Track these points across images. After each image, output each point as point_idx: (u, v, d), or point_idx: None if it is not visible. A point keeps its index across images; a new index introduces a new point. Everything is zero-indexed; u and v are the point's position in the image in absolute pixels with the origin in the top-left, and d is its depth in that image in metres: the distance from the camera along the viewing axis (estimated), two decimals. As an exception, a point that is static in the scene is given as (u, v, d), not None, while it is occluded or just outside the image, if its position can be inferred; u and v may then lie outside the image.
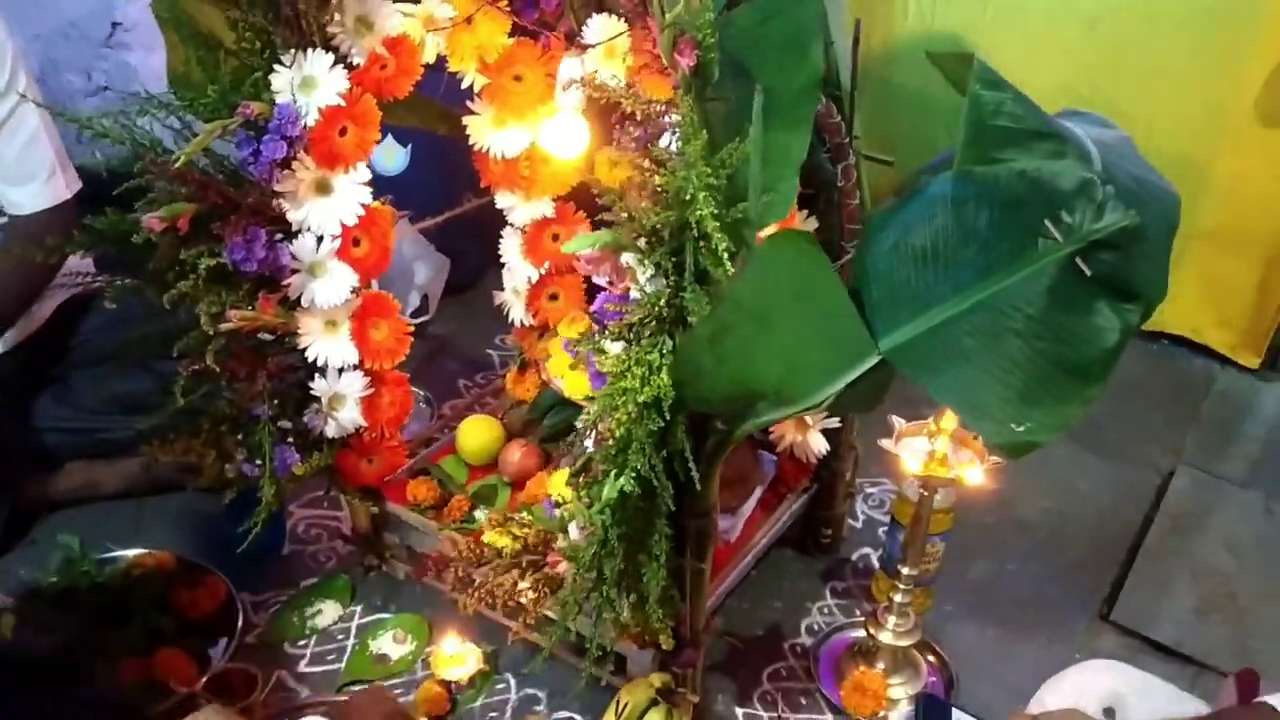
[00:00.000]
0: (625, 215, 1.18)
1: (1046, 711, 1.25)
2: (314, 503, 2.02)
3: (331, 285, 1.55)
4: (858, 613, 1.89)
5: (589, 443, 1.21)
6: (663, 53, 1.18)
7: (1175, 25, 2.35)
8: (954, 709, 1.21)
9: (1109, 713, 1.39)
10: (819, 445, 1.66)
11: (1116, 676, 1.44)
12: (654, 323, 1.16)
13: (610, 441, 1.15)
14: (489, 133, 1.75)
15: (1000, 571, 2.02)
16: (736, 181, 1.12)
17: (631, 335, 1.19)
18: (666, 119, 1.23)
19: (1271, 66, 2.35)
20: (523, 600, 1.29)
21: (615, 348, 1.23)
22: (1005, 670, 1.79)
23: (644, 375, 1.11)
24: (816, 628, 1.86)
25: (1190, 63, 2.38)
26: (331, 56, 1.47)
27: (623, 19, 1.60)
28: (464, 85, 1.68)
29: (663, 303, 1.14)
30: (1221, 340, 2.66)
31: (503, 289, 1.93)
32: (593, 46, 1.55)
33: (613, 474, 1.12)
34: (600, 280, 1.16)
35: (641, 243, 1.20)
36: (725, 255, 1.10)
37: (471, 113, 1.73)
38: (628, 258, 1.17)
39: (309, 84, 1.47)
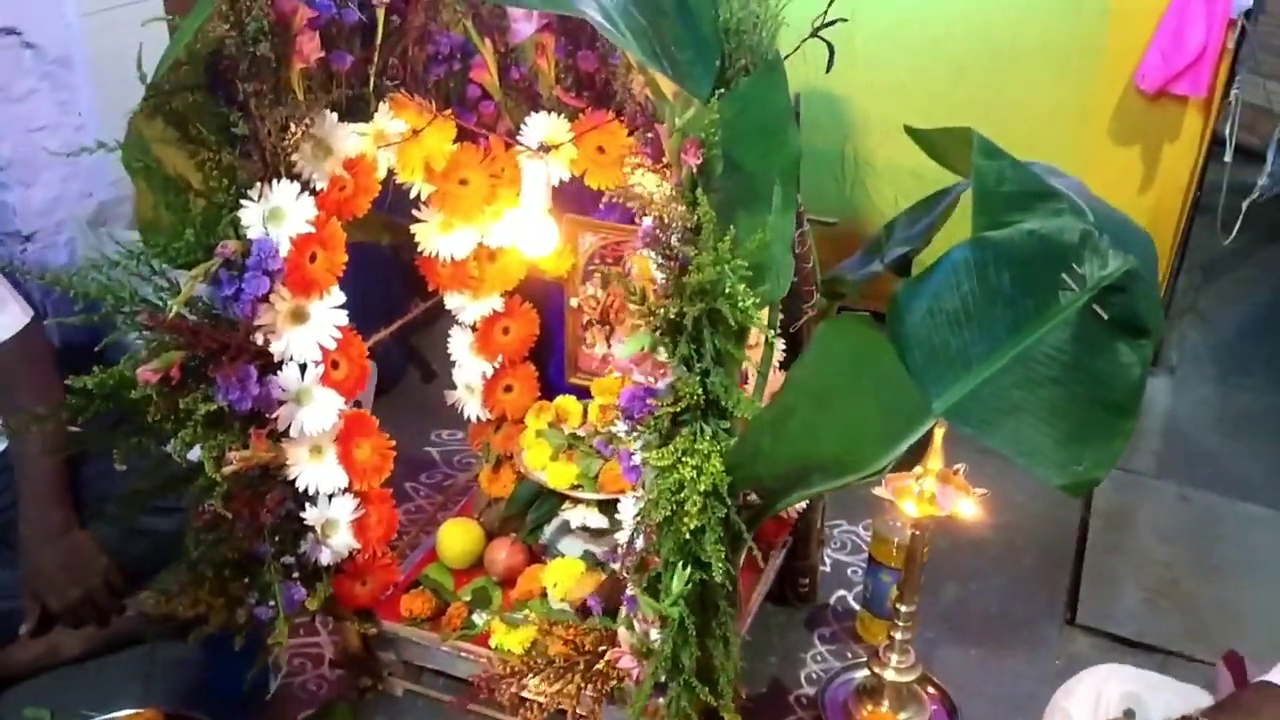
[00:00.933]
0: (650, 313, 1.21)
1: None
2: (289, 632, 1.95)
3: (318, 411, 1.53)
4: (849, 655, 1.95)
5: (639, 539, 1.24)
6: (670, 154, 1.22)
7: (1036, 62, 2.54)
8: None
9: (1129, 714, 1.48)
10: (801, 500, 1.72)
11: (1128, 679, 1.52)
12: (690, 411, 1.20)
13: (662, 533, 1.17)
14: (437, 237, 1.76)
15: (966, 592, 2.12)
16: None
17: (663, 427, 1.23)
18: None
19: (1119, 92, 2.56)
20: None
21: (630, 438, 1.26)
22: (997, 687, 1.88)
23: (698, 465, 1.14)
24: (815, 676, 1.91)
25: (1051, 94, 2.57)
26: (297, 185, 1.46)
27: (561, 115, 1.65)
28: (412, 195, 1.69)
29: (699, 391, 1.18)
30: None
31: (428, 386, 1.94)
32: (551, 148, 1.60)
33: (680, 565, 1.14)
34: (641, 378, 1.19)
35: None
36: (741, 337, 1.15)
37: (417, 220, 1.75)
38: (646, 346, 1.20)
39: (278, 215, 1.46)
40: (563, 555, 1.81)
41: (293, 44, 1.38)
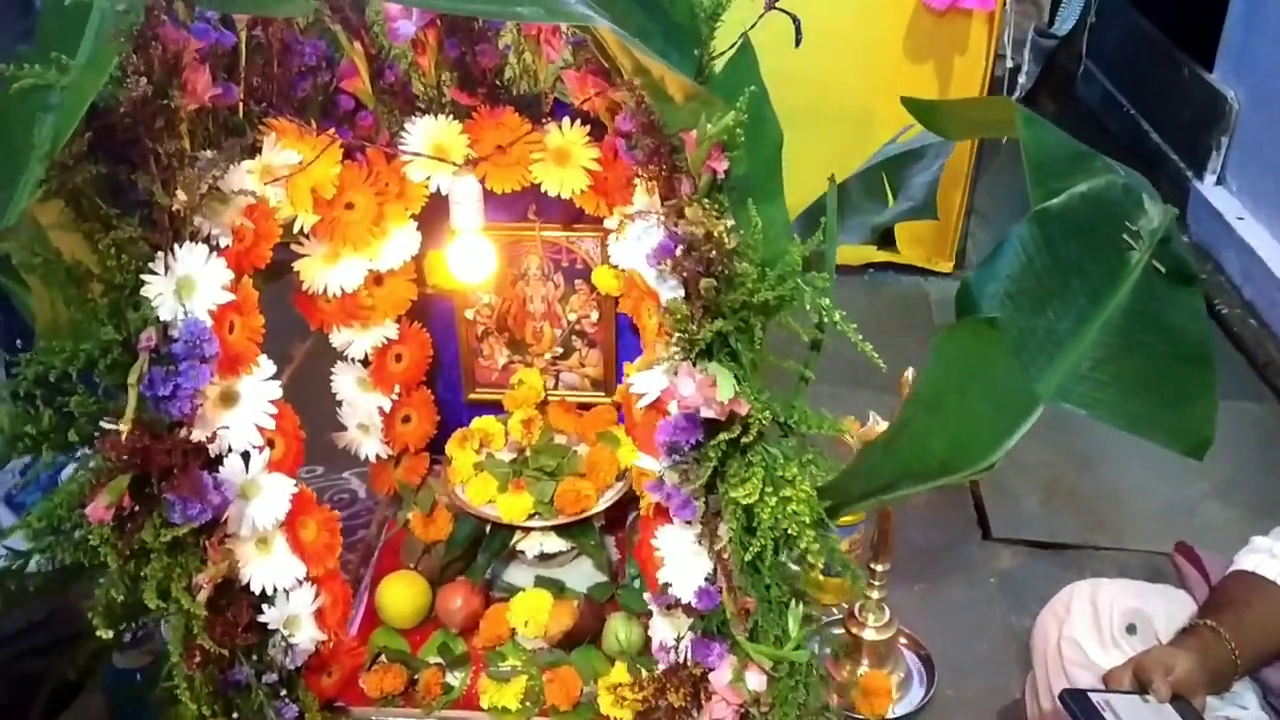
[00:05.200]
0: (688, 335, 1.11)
1: (1139, 659, 1.35)
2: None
3: (269, 502, 1.32)
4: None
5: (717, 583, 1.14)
6: (693, 163, 1.10)
7: None
8: (1089, 692, 1.28)
9: (1132, 629, 1.54)
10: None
11: (1116, 593, 1.58)
12: (756, 435, 1.11)
13: (755, 572, 1.09)
14: (322, 271, 1.56)
15: (886, 528, 2.15)
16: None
17: (717, 456, 1.13)
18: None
19: (909, 13, 2.62)
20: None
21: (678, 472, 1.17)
22: (950, 621, 1.93)
23: (789, 495, 1.06)
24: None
25: (848, 19, 2.60)
26: (203, 246, 1.24)
27: (448, 117, 1.49)
28: (296, 229, 1.48)
29: (766, 414, 1.09)
30: (918, 255, 2.97)
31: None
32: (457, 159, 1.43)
33: (792, 602, 1.06)
34: (709, 412, 1.08)
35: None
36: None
37: (297, 256, 1.54)
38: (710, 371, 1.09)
39: (188, 285, 1.23)
40: (516, 588, 1.68)
41: (185, 84, 1.15)
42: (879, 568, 1.69)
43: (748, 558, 1.09)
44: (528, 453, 1.73)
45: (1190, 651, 1.35)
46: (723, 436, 1.11)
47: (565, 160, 1.50)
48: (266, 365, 1.32)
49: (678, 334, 1.16)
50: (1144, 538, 2.10)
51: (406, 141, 1.49)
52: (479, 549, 1.71)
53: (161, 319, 1.19)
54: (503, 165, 1.50)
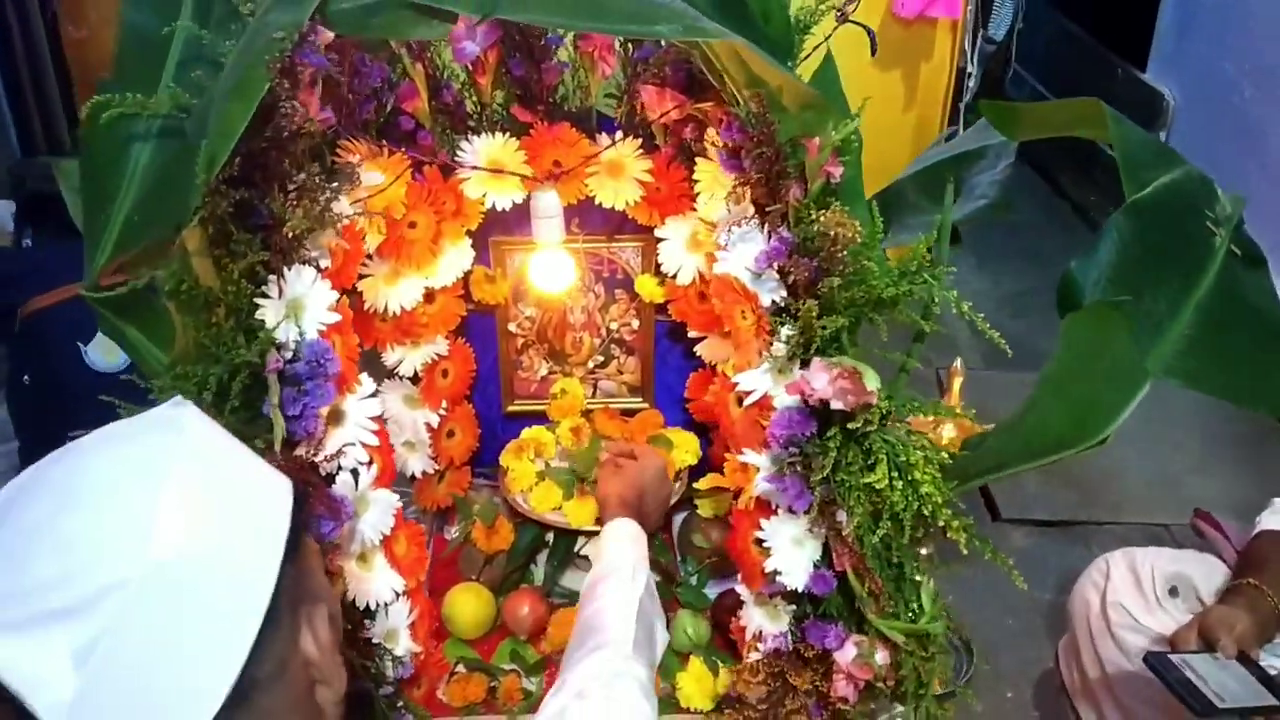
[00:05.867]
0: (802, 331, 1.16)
1: (1202, 619, 1.45)
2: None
3: (376, 517, 1.34)
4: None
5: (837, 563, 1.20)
6: (810, 169, 1.16)
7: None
8: (1168, 654, 1.37)
9: (1174, 591, 1.64)
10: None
11: (1149, 557, 1.69)
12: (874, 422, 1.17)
13: (888, 552, 1.15)
14: (383, 290, 1.58)
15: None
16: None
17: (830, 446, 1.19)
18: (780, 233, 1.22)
19: (878, 20, 2.72)
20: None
21: (789, 464, 1.22)
22: (979, 605, 2.01)
23: (915, 477, 1.13)
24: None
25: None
26: (311, 270, 1.26)
27: (506, 134, 1.52)
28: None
29: (886, 401, 1.15)
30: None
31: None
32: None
33: (927, 578, 1.13)
34: (839, 404, 1.13)
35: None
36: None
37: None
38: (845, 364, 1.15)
39: (298, 307, 1.24)
40: (574, 592, 1.72)
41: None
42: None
43: (876, 540, 1.15)
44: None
45: (1243, 609, 1.46)
46: (850, 426, 1.17)
47: (619, 173, 1.55)
48: (367, 383, 1.34)
49: (788, 332, 1.21)
50: (1140, 511, 2.22)
51: (464, 159, 1.52)
52: (537, 557, 1.74)
53: (277, 339, 1.21)
54: (561, 180, 1.54)
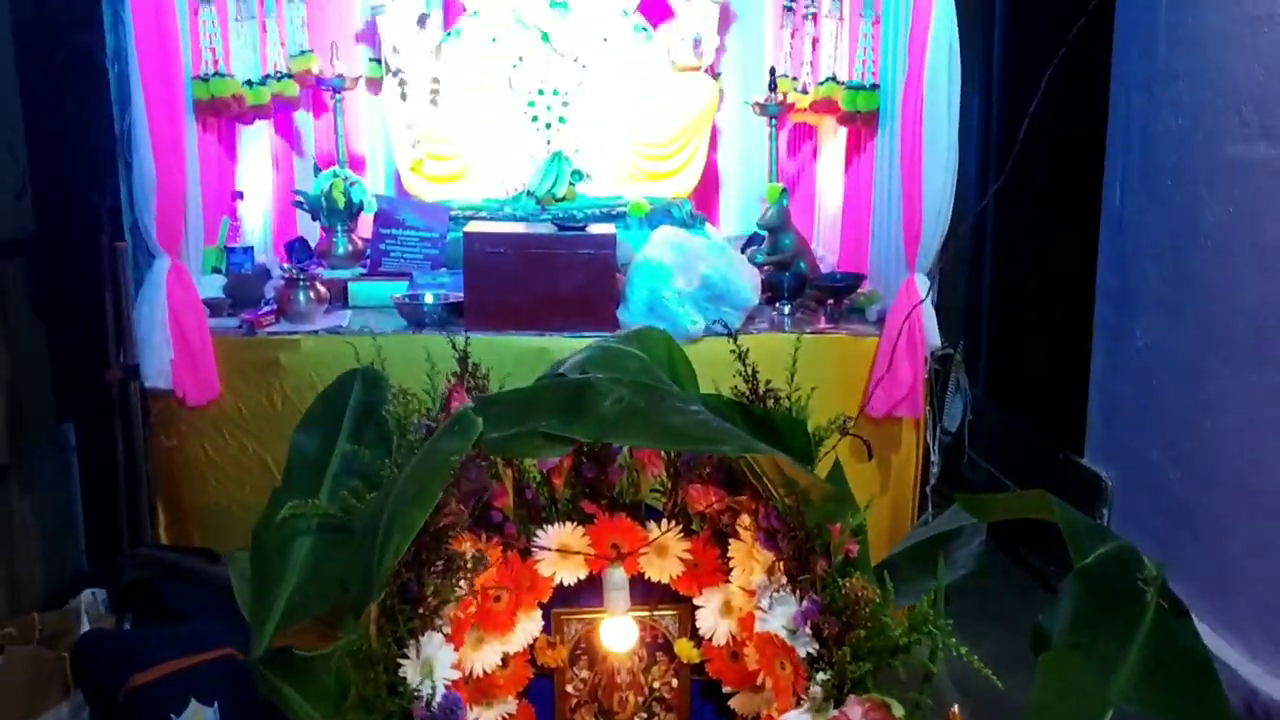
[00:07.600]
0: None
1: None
2: None
3: None
4: None
5: None
6: (835, 548, 1.52)
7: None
8: None
9: None
10: None
11: None
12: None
13: None
14: (469, 656, 1.88)
15: None
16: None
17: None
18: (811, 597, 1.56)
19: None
20: None
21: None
22: None
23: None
24: None
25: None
26: (439, 635, 1.57)
27: (574, 524, 1.88)
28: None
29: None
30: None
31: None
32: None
33: None
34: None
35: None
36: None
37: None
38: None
39: (429, 666, 1.55)
40: None
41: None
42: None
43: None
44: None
45: None
46: (873, 751, 1.46)
47: (664, 553, 1.91)
48: (479, 729, 1.62)
49: (822, 677, 1.53)
50: None
51: (540, 542, 1.88)
52: None
53: (416, 693, 1.51)
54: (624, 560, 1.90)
